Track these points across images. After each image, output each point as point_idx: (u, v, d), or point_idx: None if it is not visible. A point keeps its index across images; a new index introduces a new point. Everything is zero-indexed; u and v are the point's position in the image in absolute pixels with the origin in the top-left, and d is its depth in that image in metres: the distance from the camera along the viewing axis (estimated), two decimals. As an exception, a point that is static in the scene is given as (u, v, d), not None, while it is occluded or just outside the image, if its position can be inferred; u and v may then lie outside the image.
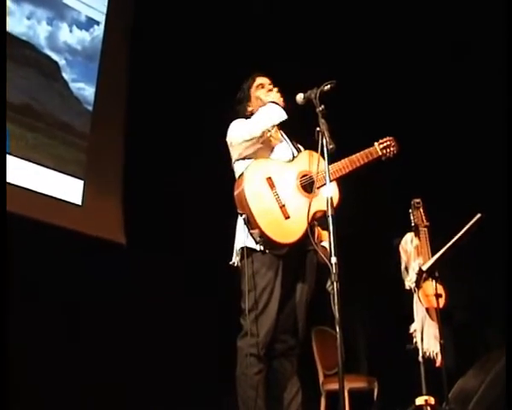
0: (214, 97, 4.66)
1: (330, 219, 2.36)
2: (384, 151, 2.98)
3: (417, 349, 3.43)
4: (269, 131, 2.84)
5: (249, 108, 3.05)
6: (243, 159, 2.91)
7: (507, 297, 2.83)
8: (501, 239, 4.31)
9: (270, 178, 2.79)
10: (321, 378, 4.70)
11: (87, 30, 4.98)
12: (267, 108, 2.91)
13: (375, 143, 3.00)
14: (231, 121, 2.98)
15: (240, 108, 3.08)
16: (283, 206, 2.74)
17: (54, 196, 4.40)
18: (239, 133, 2.87)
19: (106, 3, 5.10)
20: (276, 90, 3.05)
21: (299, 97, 2.73)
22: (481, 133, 4.69)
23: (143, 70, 4.95)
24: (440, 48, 4.97)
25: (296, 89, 2.76)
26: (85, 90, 4.84)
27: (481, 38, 4.73)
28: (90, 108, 4.84)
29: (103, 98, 4.90)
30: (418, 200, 3.72)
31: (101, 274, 4.26)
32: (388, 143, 3.01)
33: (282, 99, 2.99)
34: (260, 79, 3.10)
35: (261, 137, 2.83)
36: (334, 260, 2.31)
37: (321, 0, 5.27)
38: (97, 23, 5.04)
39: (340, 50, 5.22)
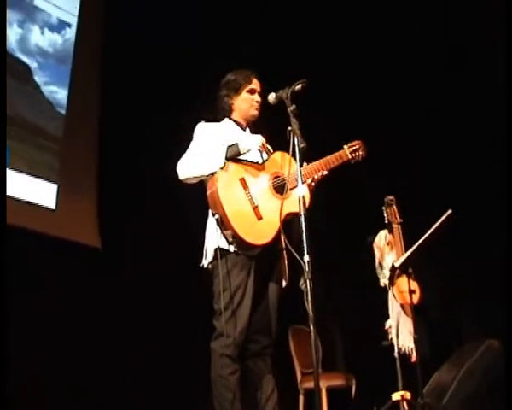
0: (189, 98, 4.66)
1: (303, 219, 2.38)
2: (353, 154, 3.01)
3: (393, 345, 3.45)
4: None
5: (231, 101, 3.03)
6: None
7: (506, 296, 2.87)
8: (475, 235, 4.39)
9: (243, 178, 2.80)
10: (299, 377, 4.71)
11: (59, 32, 4.93)
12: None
13: (345, 147, 3.03)
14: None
15: (224, 95, 3.04)
16: (256, 207, 2.75)
17: (27, 200, 4.35)
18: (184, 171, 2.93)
19: (77, 6, 5.05)
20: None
21: (271, 97, 2.75)
22: (453, 130, 4.74)
23: (117, 72, 4.91)
24: (411, 44, 5.01)
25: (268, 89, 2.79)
26: (58, 94, 4.79)
27: (453, 32, 4.81)
28: (63, 111, 4.79)
29: (76, 101, 4.86)
30: (391, 197, 3.75)
31: (76, 278, 4.23)
32: (357, 146, 3.03)
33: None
34: (255, 84, 3.04)
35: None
36: (306, 258, 2.33)
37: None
38: (69, 25, 5.00)
39: (311, 49, 5.25)
